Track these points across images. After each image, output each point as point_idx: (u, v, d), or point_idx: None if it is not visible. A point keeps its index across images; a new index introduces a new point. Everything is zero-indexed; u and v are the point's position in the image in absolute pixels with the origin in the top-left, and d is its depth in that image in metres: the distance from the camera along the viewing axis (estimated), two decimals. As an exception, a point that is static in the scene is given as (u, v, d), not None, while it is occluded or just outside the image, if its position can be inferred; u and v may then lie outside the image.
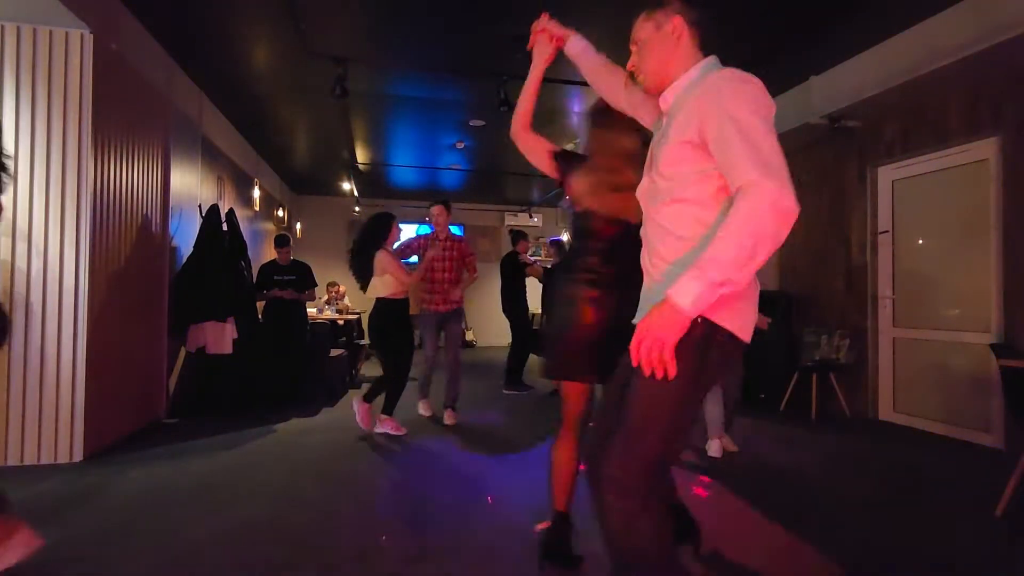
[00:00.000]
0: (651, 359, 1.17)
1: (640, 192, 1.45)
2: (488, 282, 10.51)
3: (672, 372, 1.17)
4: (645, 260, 1.43)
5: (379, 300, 3.90)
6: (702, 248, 1.19)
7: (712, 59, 1.37)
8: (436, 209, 4.47)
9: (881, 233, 4.66)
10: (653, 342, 1.16)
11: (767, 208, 1.11)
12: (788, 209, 1.11)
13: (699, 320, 1.20)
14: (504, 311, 5.87)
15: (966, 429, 3.97)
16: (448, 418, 4.34)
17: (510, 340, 5.94)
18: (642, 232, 1.44)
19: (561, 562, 1.99)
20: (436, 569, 2.06)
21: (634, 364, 1.21)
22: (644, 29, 1.41)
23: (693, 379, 1.25)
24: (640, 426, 1.29)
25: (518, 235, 5.99)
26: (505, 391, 5.75)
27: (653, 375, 1.19)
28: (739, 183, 1.16)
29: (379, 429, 3.89)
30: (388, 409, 3.92)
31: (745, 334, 1.29)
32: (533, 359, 6.42)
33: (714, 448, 3.47)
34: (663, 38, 1.38)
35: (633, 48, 1.45)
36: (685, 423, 1.33)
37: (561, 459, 1.97)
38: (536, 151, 2.12)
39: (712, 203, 1.27)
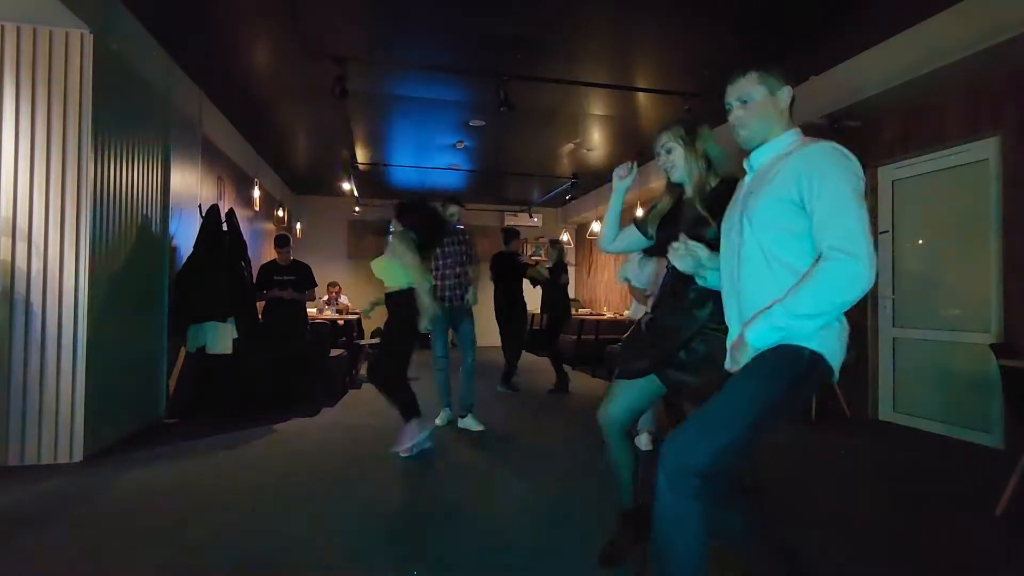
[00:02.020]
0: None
1: (726, 237, 1.58)
2: (489, 281, 10.51)
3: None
4: (733, 308, 1.55)
5: (406, 290, 3.47)
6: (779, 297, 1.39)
7: (798, 129, 1.54)
8: (452, 208, 4.37)
9: (881, 233, 4.66)
10: (735, 364, 1.47)
11: (846, 279, 1.29)
12: (865, 281, 1.29)
13: (808, 352, 1.38)
14: (498, 312, 5.70)
15: (966, 429, 3.97)
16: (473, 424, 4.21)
17: (504, 342, 5.82)
18: (726, 279, 1.57)
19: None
20: (435, 570, 2.07)
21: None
22: (757, 91, 1.52)
23: (786, 393, 1.40)
24: (724, 421, 1.39)
25: (512, 233, 5.86)
26: (500, 389, 5.84)
27: (750, 378, 1.40)
28: (823, 250, 1.33)
29: (408, 443, 3.40)
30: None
31: (837, 366, 1.46)
32: (530, 359, 6.42)
33: (644, 441, 3.57)
34: (775, 104, 1.51)
35: (736, 103, 1.55)
36: (763, 427, 1.42)
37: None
38: (631, 241, 2.18)
39: (801, 263, 1.40)
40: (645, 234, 2.09)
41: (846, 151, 1.39)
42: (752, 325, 1.40)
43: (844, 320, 1.46)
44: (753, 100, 1.51)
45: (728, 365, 1.54)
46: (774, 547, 1.71)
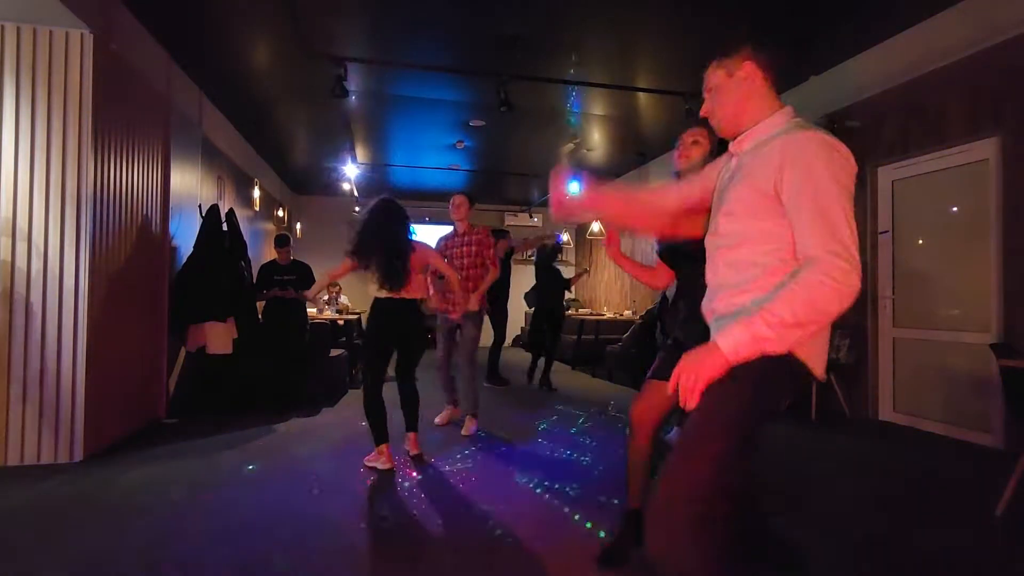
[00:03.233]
0: (685, 388, 1.21)
1: (708, 232, 1.47)
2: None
3: (695, 404, 1.21)
4: (706, 300, 1.43)
5: (416, 301, 3.37)
6: (758, 298, 1.25)
7: (791, 109, 1.39)
8: (457, 199, 4.13)
9: (881, 233, 4.66)
10: (689, 373, 1.21)
11: (830, 286, 1.15)
12: (850, 289, 1.15)
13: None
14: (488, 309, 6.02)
15: (966, 429, 3.96)
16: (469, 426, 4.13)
17: (493, 336, 6.13)
18: (707, 271, 1.45)
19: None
20: (434, 570, 2.07)
21: (670, 391, 1.25)
22: (716, 76, 1.43)
23: (751, 400, 1.24)
24: (695, 444, 1.27)
25: (500, 234, 6.01)
26: (486, 384, 6.00)
27: (712, 393, 1.21)
28: (808, 253, 1.19)
29: (414, 450, 3.42)
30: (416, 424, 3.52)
31: (817, 366, 1.29)
32: (516, 355, 6.44)
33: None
34: (736, 84, 1.40)
35: (706, 95, 1.47)
36: (739, 445, 1.27)
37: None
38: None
39: (772, 255, 1.27)
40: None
41: (834, 141, 1.25)
42: (727, 332, 1.21)
43: None
44: (714, 86, 1.44)
45: None
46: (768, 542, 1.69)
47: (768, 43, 1.43)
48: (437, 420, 4.32)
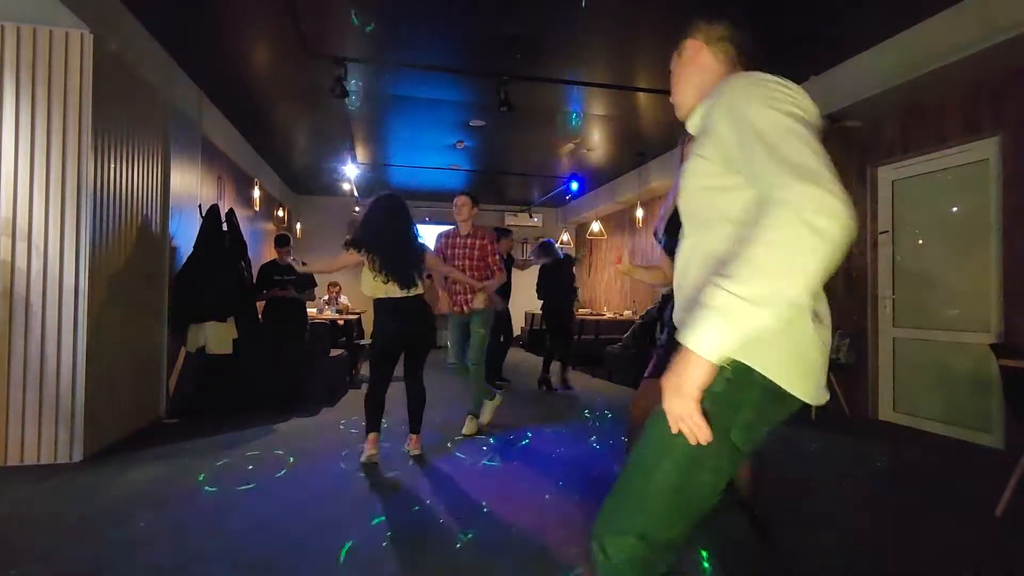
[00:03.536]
0: (681, 421, 0.97)
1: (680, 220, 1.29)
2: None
3: (706, 436, 0.95)
4: (677, 309, 1.20)
5: (421, 297, 3.39)
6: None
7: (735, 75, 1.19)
8: (460, 200, 4.02)
9: (881, 233, 4.66)
10: (678, 403, 0.96)
11: (792, 218, 0.86)
12: (830, 218, 0.85)
13: (727, 363, 0.96)
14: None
15: (966, 429, 3.97)
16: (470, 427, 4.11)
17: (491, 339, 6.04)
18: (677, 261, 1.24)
19: None
20: (435, 570, 2.07)
21: (674, 432, 0.99)
22: (672, 62, 1.37)
23: (714, 439, 0.97)
24: (637, 492, 1.07)
25: (503, 233, 5.95)
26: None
27: (659, 429, 1.02)
28: (763, 194, 0.93)
29: (415, 451, 3.48)
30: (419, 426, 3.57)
31: (801, 385, 1.00)
32: (515, 355, 6.45)
33: None
34: (684, 64, 1.32)
35: None
36: (699, 494, 1.04)
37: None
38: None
39: (732, 243, 1.02)
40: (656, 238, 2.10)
41: (768, 75, 1.05)
42: (690, 328, 0.93)
43: (806, 321, 1.01)
44: (671, 73, 1.36)
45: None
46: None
47: (721, 14, 1.36)
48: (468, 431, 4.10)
